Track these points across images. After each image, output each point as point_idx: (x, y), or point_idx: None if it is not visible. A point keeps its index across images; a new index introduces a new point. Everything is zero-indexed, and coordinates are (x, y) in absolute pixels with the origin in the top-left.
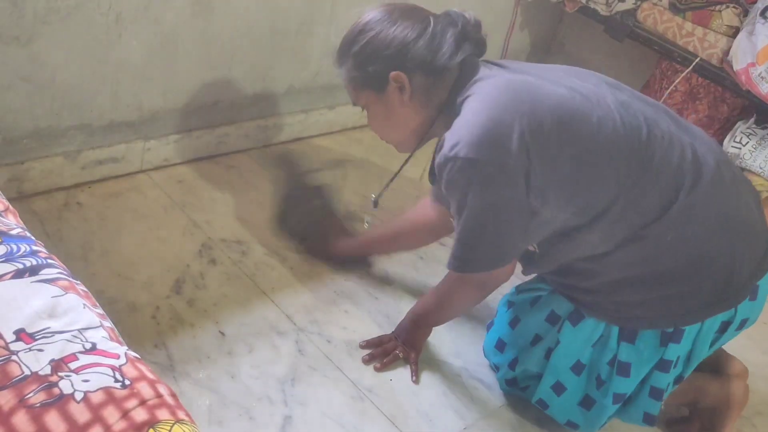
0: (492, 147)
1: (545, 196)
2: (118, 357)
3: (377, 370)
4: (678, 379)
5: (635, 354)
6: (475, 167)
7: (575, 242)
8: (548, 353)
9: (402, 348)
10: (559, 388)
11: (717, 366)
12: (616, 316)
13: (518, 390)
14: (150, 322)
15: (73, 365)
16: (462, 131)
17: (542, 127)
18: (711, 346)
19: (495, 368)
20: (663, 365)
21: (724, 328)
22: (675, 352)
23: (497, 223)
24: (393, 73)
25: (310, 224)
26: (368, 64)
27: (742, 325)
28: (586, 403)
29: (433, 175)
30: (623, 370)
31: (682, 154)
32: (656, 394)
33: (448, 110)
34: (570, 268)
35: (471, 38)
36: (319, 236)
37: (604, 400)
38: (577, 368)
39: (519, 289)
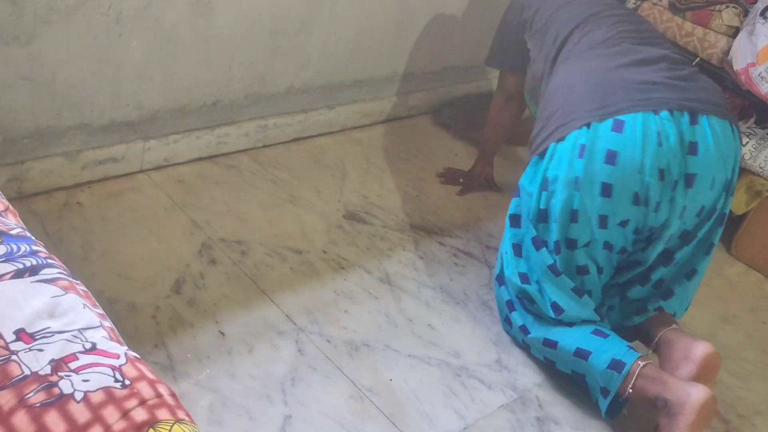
0: None
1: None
2: (118, 357)
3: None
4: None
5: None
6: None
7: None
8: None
9: (463, 174)
10: (564, 246)
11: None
12: (546, 136)
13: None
14: (150, 322)
15: (73, 365)
16: None
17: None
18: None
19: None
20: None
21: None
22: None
23: (500, 33)
24: None
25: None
26: None
27: (690, 180)
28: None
29: (490, 61)
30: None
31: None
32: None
33: None
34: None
35: None
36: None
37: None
38: (543, 216)
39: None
